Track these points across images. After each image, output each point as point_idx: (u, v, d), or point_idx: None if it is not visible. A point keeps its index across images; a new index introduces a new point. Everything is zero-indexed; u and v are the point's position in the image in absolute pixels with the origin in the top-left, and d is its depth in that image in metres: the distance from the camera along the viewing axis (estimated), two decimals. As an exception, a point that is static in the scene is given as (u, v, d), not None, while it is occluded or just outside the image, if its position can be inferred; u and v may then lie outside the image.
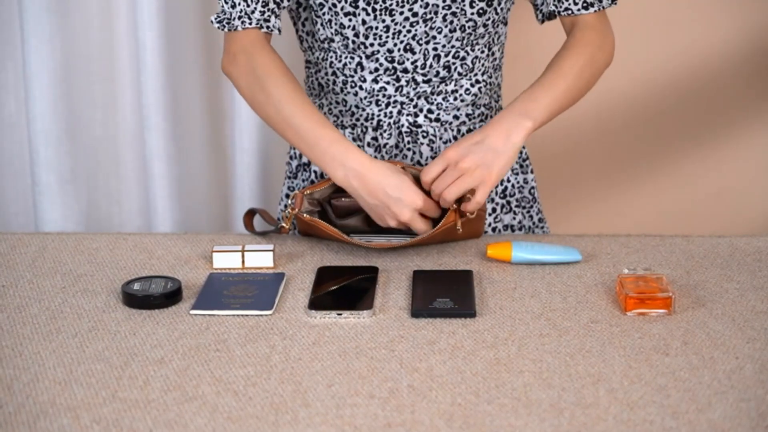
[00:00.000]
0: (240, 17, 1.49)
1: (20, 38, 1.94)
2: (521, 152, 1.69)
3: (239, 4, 1.49)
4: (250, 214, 1.56)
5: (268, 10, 1.49)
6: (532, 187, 1.70)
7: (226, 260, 1.42)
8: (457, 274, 1.39)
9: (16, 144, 2.04)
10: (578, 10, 1.55)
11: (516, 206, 1.67)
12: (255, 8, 1.49)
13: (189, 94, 2.06)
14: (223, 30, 1.51)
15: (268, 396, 1.08)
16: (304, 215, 1.45)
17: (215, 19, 1.52)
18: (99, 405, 1.06)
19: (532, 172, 1.70)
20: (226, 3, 1.50)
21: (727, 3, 2.22)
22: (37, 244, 1.51)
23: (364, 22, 1.52)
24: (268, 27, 1.50)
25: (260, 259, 1.42)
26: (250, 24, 1.49)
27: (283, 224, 1.47)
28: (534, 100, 1.46)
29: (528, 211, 1.69)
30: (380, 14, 1.51)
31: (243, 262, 1.42)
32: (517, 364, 1.15)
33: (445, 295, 1.30)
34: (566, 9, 1.55)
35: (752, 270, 1.41)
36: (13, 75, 2.00)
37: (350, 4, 1.51)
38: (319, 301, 1.30)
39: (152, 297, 1.29)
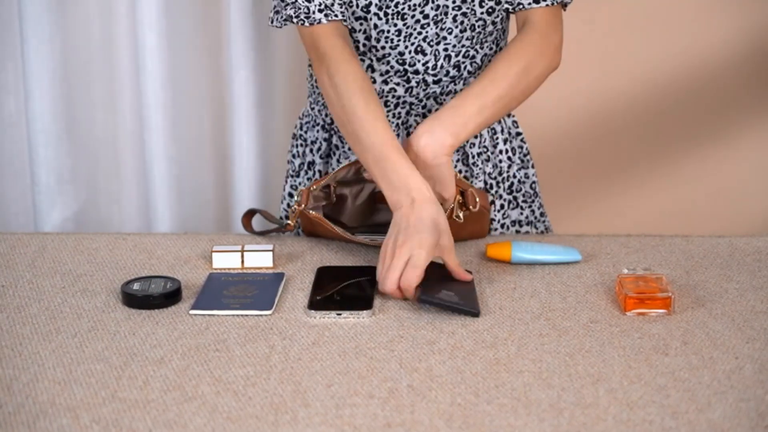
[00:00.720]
0: (321, 9, 1.45)
1: (20, 38, 1.94)
2: (522, 147, 1.69)
3: None
4: (249, 214, 1.56)
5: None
6: (534, 182, 1.70)
7: (225, 260, 1.42)
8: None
9: (16, 144, 2.04)
10: (529, 3, 1.51)
11: (522, 201, 1.68)
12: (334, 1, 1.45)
13: (189, 95, 2.06)
14: (301, 24, 1.45)
15: (268, 396, 1.08)
16: (310, 212, 1.45)
17: (280, 16, 1.48)
18: (99, 405, 1.06)
19: (533, 167, 1.70)
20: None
21: (727, 3, 2.22)
22: (36, 244, 1.51)
23: (375, 26, 1.52)
24: (335, 15, 1.46)
25: (260, 259, 1.42)
26: (335, 16, 1.46)
27: (289, 222, 1.47)
28: (459, 113, 1.41)
29: (530, 206, 1.69)
30: (392, 18, 1.51)
31: (242, 262, 1.42)
32: (517, 364, 1.15)
33: (449, 290, 1.30)
34: (519, 4, 1.52)
35: (752, 270, 1.41)
36: (13, 75, 2.00)
37: (362, 9, 1.50)
38: (318, 301, 1.30)
39: (152, 297, 1.29)
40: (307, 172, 1.68)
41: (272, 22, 1.52)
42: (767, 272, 1.41)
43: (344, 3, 1.48)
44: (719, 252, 1.47)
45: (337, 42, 1.45)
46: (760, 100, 2.30)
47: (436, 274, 1.34)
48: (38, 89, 1.95)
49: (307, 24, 1.46)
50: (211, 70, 2.06)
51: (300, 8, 1.46)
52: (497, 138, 1.64)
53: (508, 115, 1.68)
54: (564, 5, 1.53)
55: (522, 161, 1.69)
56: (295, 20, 1.47)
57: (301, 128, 1.70)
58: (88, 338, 1.21)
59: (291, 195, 1.72)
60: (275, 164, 2.12)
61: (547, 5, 1.50)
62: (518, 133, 1.69)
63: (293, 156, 1.71)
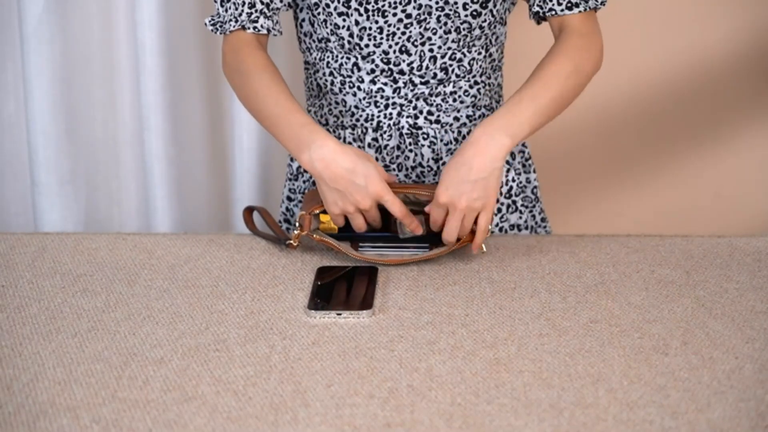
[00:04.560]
0: (229, 20, 1.53)
1: (19, 38, 1.94)
2: (524, 152, 1.69)
3: (230, 7, 1.52)
4: (249, 210, 1.56)
5: (256, 11, 1.52)
6: (535, 187, 1.70)
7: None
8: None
9: (16, 144, 2.04)
10: (562, 10, 1.52)
11: (521, 205, 1.68)
12: (242, 10, 1.52)
13: (189, 95, 2.06)
14: (215, 33, 1.55)
15: (268, 396, 1.08)
16: (314, 236, 1.45)
17: (209, 21, 1.56)
18: (99, 405, 1.06)
19: (534, 171, 1.70)
20: (221, 6, 1.53)
21: (727, 3, 2.22)
22: (36, 245, 1.51)
23: (357, 22, 1.52)
24: (255, 28, 1.52)
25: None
26: (237, 26, 1.52)
27: (292, 242, 1.46)
28: (515, 115, 1.42)
29: (531, 211, 1.69)
30: (373, 15, 1.51)
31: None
32: (517, 364, 1.15)
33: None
34: (550, 9, 1.53)
35: (752, 270, 1.41)
36: (12, 75, 2.00)
37: (343, 4, 1.51)
38: (318, 301, 1.30)
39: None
40: (303, 175, 1.68)
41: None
42: (767, 272, 1.41)
43: (260, 11, 1.53)
44: (719, 252, 1.48)
45: (244, 44, 1.53)
46: (760, 100, 2.31)
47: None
48: (38, 89, 1.95)
49: (219, 33, 1.55)
50: (211, 71, 2.06)
51: (217, 18, 1.55)
52: None
53: None
54: (596, 9, 1.54)
55: (524, 166, 1.69)
56: (210, 27, 1.55)
57: None
58: (88, 338, 1.21)
59: (290, 198, 1.72)
60: (275, 165, 2.12)
61: (580, 11, 1.52)
62: None
63: (291, 159, 1.71)
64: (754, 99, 2.30)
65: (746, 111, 2.32)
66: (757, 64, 2.26)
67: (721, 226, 2.31)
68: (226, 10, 1.53)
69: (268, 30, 1.54)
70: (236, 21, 1.52)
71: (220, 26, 1.54)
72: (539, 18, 1.57)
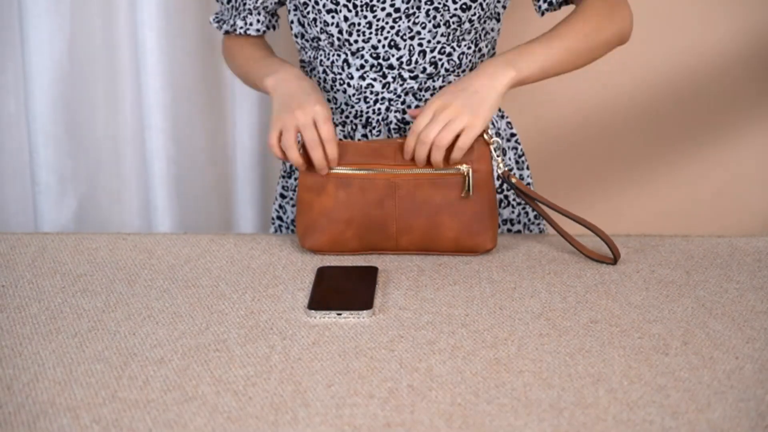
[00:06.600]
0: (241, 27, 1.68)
1: (20, 38, 1.94)
2: (516, 149, 1.69)
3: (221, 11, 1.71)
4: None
5: (241, 19, 1.67)
6: (528, 183, 1.70)
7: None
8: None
9: (16, 144, 2.04)
10: None
11: (513, 199, 1.67)
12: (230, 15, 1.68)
13: (189, 94, 2.06)
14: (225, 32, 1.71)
15: (268, 396, 1.08)
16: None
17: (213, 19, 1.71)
18: (99, 405, 1.06)
19: (528, 168, 1.70)
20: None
21: (727, 3, 2.22)
22: (36, 244, 1.51)
23: (346, 18, 1.53)
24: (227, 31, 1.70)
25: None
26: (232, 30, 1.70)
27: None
28: (525, 52, 1.45)
29: (524, 208, 1.69)
30: (361, 10, 1.52)
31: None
32: (517, 364, 1.15)
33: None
34: None
35: (752, 270, 1.41)
36: (12, 75, 2.00)
37: (331, 1, 1.52)
38: (318, 301, 1.30)
39: None
40: (295, 172, 1.68)
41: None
42: (767, 272, 1.41)
43: (233, 17, 1.68)
44: (719, 252, 1.48)
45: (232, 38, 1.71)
46: (760, 100, 2.30)
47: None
48: (38, 89, 1.95)
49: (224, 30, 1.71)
50: (211, 70, 2.07)
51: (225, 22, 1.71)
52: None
53: (501, 117, 1.68)
54: None
55: (517, 162, 1.69)
56: (215, 25, 1.71)
57: None
58: (88, 338, 1.21)
59: (282, 196, 1.72)
60: (275, 164, 2.12)
61: None
62: (512, 134, 1.69)
63: None
64: (754, 99, 2.30)
65: (746, 111, 2.31)
66: (757, 64, 2.26)
67: (721, 226, 2.31)
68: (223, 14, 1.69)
69: (227, 32, 1.69)
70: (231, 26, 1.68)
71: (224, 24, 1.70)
72: (551, 6, 1.58)
